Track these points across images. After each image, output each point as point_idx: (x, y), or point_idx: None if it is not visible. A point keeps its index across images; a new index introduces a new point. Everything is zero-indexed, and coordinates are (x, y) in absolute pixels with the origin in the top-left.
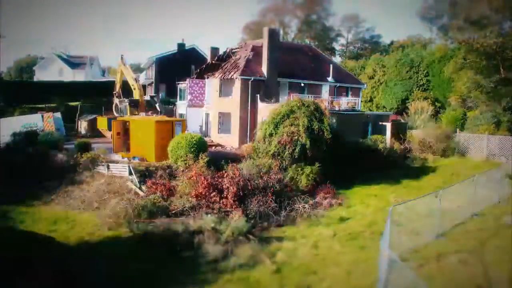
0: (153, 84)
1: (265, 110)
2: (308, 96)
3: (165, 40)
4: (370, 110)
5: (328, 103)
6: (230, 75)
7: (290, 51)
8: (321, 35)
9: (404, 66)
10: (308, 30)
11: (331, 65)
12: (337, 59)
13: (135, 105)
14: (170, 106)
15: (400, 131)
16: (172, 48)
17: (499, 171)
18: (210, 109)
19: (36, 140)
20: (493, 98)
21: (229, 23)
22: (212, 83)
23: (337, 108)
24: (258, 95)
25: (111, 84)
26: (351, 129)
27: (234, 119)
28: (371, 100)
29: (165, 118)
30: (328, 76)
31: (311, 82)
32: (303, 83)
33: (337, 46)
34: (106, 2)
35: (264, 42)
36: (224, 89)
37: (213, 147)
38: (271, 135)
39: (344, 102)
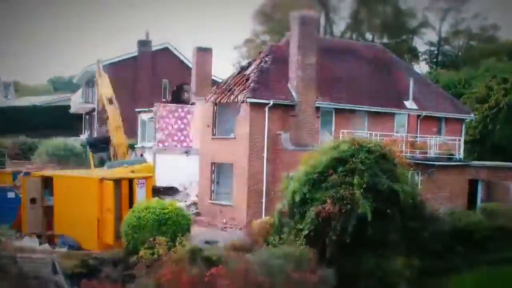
0: (95, 113)
1: (293, 159)
2: (370, 134)
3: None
4: (481, 159)
5: (406, 145)
6: (232, 97)
7: (338, 55)
8: (393, 26)
9: None
10: (370, 16)
11: (411, 80)
12: (421, 68)
13: (103, 145)
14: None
15: None
16: (131, 48)
17: None
18: (198, 157)
19: None
20: None
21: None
22: (200, 111)
23: (420, 155)
24: (282, 133)
25: (23, 111)
26: (445, 191)
27: (238, 175)
28: (482, 141)
29: (119, 172)
30: (407, 99)
31: (376, 109)
32: (362, 110)
33: (421, 45)
34: None
35: (291, 38)
36: (222, 122)
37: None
38: (304, 201)
39: (435, 144)
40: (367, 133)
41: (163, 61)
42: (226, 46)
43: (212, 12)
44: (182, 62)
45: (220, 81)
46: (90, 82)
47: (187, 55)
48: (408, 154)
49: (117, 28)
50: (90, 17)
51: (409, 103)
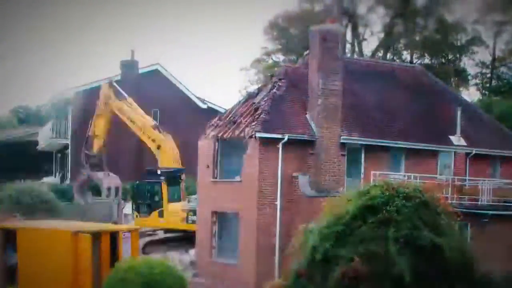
0: (69, 150)
1: (313, 207)
2: (408, 177)
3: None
4: None
5: (452, 190)
6: (237, 131)
7: (369, 79)
8: (436, 43)
9: None
10: (408, 31)
11: (458, 110)
12: (471, 95)
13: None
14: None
15: None
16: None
17: None
18: (196, 205)
19: None
20: None
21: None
22: (199, 148)
23: (470, 203)
24: (299, 176)
25: None
26: (501, 247)
27: (246, 228)
28: None
29: (97, 225)
30: (453, 133)
31: (415, 145)
32: (398, 147)
33: (472, 67)
34: None
35: (311, 58)
36: (225, 162)
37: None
38: (326, 260)
39: (488, 189)
40: (404, 175)
41: (152, 86)
42: (230, 68)
43: (211, 26)
44: (176, 87)
45: (223, 111)
46: (62, 113)
47: (183, 79)
48: (454, 201)
49: (98, 51)
50: (66, 38)
51: (456, 139)
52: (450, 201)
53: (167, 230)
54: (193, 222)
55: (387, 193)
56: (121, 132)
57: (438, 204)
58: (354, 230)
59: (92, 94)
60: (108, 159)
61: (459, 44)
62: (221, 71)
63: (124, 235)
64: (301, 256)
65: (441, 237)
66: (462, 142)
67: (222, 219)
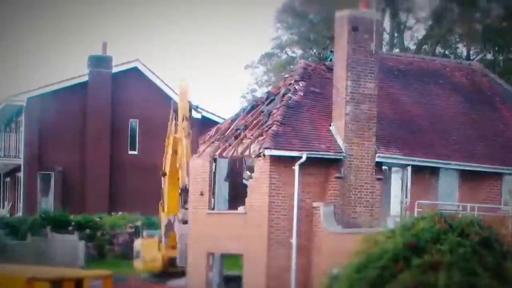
0: (22, 173)
1: (339, 245)
2: (464, 208)
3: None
4: None
5: None
6: (240, 148)
7: (413, 80)
8: (502, 34)
9: None
10: (465, 18)
11: None
12: None
13: None
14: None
15: None
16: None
17: None
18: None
19: None
20: None
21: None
22: (192, 170)
23: None
24: (322, 205)
25: None
26: None
27: (252, 274)
28: None
29: (57, 270)
30: None
31: (472, 166)
32: (450, 168)
33: None
34: None
35: (337, 52)
36: (224, 188)
37: None
38: None
39: None
40: (458, 205)
41: (130, 89)
42: (232, 66)
43: (206, 11)
44: (160, 90)
45: (222, 121)
46: (13, 124)
47: (170, 82)
48: None
49: (61, 50)
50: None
51: None
52: None
53: None
54: None
55: (437, 228)
56: None
57: (504, 243)
58: (394, 276)
59: (52, 99)
60: None
61: None
62: (220, 70)
63: (92, 284)
64: None
65: (506, 286)
66: None
67: (220, 262)
